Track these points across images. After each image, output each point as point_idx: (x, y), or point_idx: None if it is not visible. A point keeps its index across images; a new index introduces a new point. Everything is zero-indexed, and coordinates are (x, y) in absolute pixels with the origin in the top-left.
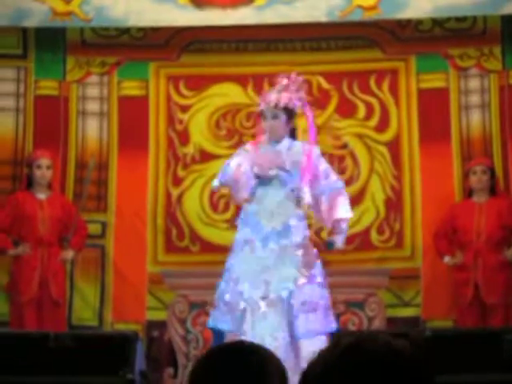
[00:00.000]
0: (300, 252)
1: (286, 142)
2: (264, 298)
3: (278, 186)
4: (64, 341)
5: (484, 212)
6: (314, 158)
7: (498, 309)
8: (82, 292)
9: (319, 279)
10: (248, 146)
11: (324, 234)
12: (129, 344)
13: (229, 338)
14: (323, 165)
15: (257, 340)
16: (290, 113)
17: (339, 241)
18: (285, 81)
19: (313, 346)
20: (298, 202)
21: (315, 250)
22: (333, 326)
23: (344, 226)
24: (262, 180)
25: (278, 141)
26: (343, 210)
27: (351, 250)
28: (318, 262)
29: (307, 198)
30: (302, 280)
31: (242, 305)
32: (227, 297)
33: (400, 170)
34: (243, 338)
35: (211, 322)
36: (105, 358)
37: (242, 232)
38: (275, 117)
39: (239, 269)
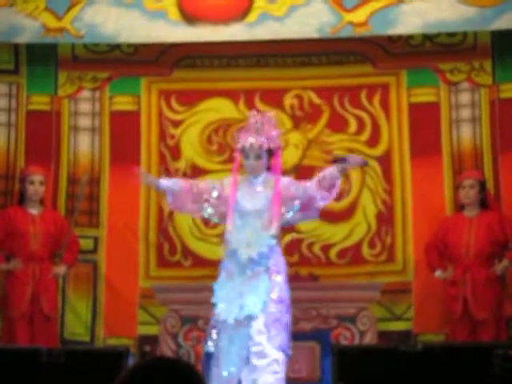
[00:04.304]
0: (271, 276)
1: (263, 175)
2: (236, 319)
3: (255, 218)
4: (56, 356)
5: (474, 226)
6: (282, 186)
7: (489, 324)
8: (74, 307)
9: (282, 299)
10: (228, 181)
11: (316, 247)
12: (120, 359)
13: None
14: (295, 184)
15: (227, 357)
16: (270, 152)
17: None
18: (260, 120)
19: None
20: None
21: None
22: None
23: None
24: (241, 212)
25: (256, 176)
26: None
27: (343, 264)
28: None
29: (274, 230)
30: (271, 301)
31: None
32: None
33: (391, 184)
34: (220, 355)
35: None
36: (97, 374)
37: (224, 258)
38: (258, 157)
39: (217, 294)
